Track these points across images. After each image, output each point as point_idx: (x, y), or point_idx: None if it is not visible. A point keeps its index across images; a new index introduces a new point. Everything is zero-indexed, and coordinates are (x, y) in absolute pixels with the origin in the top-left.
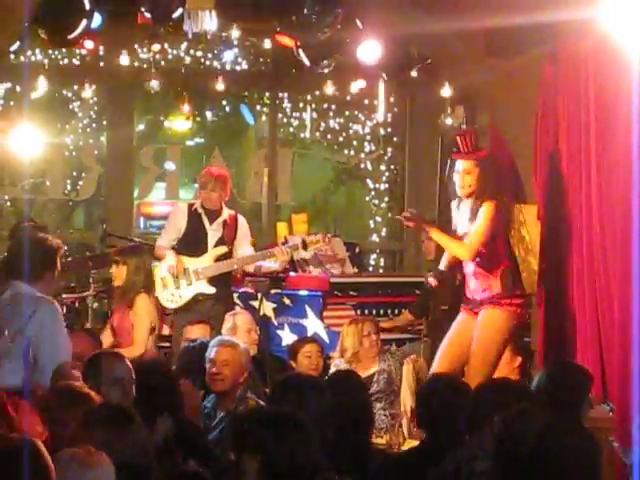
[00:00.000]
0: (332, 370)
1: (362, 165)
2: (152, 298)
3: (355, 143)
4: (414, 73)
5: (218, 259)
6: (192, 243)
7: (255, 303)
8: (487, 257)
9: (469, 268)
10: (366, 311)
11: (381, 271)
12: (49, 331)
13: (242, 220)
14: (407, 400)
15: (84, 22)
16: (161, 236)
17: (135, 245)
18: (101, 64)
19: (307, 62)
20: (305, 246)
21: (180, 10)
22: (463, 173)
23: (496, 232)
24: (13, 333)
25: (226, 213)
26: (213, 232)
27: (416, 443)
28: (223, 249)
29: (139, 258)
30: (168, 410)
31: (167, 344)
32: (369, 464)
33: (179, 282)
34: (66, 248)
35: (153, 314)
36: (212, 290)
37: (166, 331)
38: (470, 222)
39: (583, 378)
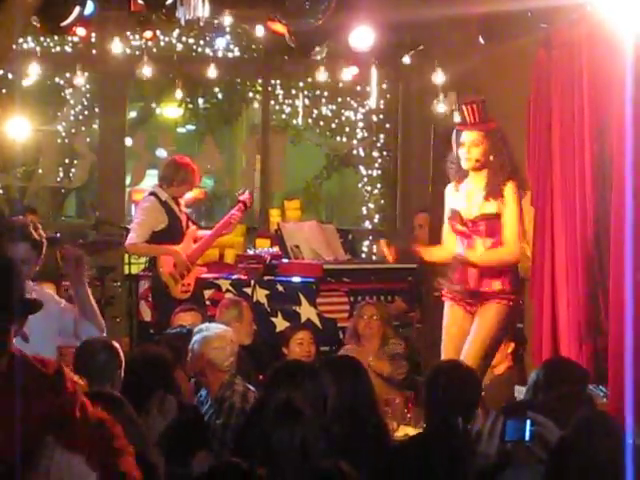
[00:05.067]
0: None
1: (354, 151)
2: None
3: (347, 130)
4: (406, 59)
5: (195, 240)
6: (174, 233)
7: (248, 290)
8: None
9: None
10: (359, 298)
11: (374, 258)
12: None
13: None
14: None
15: (77, 9)
16: (137, 234)
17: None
18: (93, 51)
19: (299, 49)
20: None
21: None
22: (470, 145)
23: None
24: None
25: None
26: (183, 218)
27: (409, 429)
28: (194, 229)
29: None
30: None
31: None
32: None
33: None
34: (58, 235)
35: None
36: (203, 272)
37: None
38: (486, 201)
39: (579, 375)
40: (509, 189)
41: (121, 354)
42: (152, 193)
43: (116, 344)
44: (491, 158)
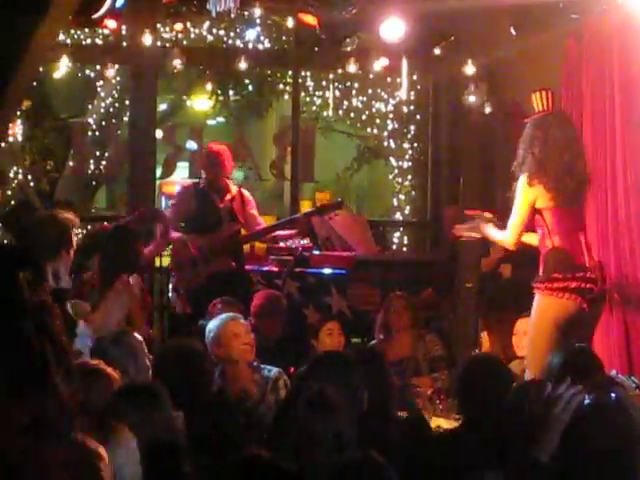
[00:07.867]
0: None
1: (385, 143)
2: None
3: (378, 121)
4: (437, 50)
5: (233, 235)
6: (203, 221)
7: (279, 282)
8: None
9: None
10: (390, 289)
11: (405, 249)
12: None
13: (247, 193)
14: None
15: (108, 2)
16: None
17: None
18: (124, 44)
19: (330, 40)
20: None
21: None
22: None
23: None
24: None
25: (234, 189)
26: (224, 209)
27: (441, 420)
28: (237, 225)
29: None
30: None
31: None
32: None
33: (195, 261)
34: (89, 227)
35: None
36: (230, 267)
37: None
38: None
39: (594, 362)
40: (520, 181)
41: (135, 341)
42: (196, 182)
43: (137, 335)
44: (520, 150)
